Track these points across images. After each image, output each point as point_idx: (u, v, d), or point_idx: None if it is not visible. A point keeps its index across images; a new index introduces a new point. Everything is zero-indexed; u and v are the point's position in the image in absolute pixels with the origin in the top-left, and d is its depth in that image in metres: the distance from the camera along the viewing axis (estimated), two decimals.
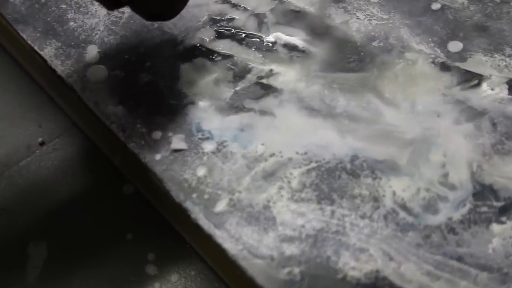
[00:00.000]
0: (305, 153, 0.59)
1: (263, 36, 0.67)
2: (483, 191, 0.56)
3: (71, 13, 0.69)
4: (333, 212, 0.56)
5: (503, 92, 0.61)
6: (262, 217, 0.56)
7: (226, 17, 0.68)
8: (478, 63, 0.63)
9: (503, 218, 0.55)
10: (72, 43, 0.67)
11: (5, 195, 0.66)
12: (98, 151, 0.68)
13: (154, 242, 0.62)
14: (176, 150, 0.60)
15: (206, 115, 0.62)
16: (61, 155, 0.68)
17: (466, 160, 0.58)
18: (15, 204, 0.65)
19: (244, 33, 0.67)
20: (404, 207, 0.56)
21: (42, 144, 0.69)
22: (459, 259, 0.53)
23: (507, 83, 0.62)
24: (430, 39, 0.65)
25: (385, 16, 0.67)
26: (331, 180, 0.58)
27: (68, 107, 0.70)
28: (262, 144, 0.60)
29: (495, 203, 0.56)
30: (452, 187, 0.57)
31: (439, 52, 0.64)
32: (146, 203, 0.64)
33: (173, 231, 0.62)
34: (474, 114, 0.60)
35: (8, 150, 0.69)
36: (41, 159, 0.68)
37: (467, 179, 0.57)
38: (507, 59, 0.63)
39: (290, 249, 0.54)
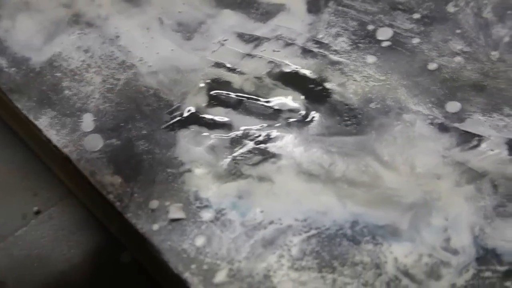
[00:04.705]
0: (305, 220, 0.58)
1: (260, 100, 0.66)
2: (486, 256, 0.55)
3: (66, 81, 0.69)
4: (334, 281, 0.55)
5: (503, 153, 0.61)
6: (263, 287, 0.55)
7: (222, 81, 0.68)
8: (476, 123, 0.63)
9: (508, 283, 0.54)
10: (68, 112, 0.66)
11: (1, 267, 0.65)
12: (94, 219, 0.68)
13: None
14: (174, 220, 0.59)
15: (204, 182, 0.61)
16: (57, 223, 0.68)
17: (468, 223, 0.57)
18: (11, 276, 0.65)
19: (241, 97, 0.66)
20: (406, 273, 0.55)
21: (37, 213, 0.68)
22: None
23: (507, 143, 0.61)
24: (427, 100, 0.65)
25: (382, 77, 0.67)
26: (331, 247, 0.57)
27: (64, 176, 0.69)
28: (261, 212, 0.59)
29: (498, 268, 0.55)
30: (455, 252, 0.56)
31: (437, 113, 0.64)
32: (144, 272, 0.63)
33: None
34: (475, 176, 0.60)
35: (4, 220, 0.68)
36: (37, 229, 0.67)
37: (469, 243, 0.56)
38: (506, 118, 0.63)
39: None
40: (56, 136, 0.65)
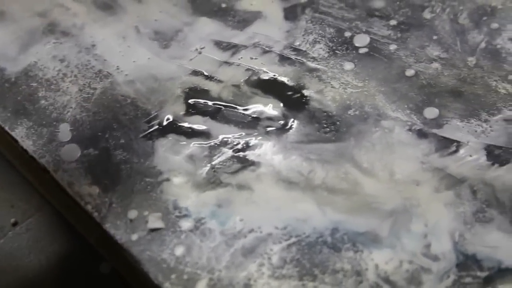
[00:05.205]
0: (285, 227, 0.58)
1: (238, 108, 0.66)
2: (466, 261, 0.55)
3: (42, 91, 0.68)
4: None
5: (482, 159, 0.61)
6: None
7: (200, 89, 0.68)
8: (455, 129, 0.63)
9: None
10: (44, 122, 0.66)
11: None
12: (73, 230, 0.67)
13: None
14: (153, 230, 0.58)
15: (183, 191, 0.61)
16: (35, 235, 0.67)
17: (448, 229, 0.57)
18: None
19: (219, 105, 0.66)
20: (387, 280, 0.55)
21: (15, 224, 0.67)
22: None
23: (485, 149, 0.61)
24: (406, 106, 0.65)
25: (360, 84, 0.67)
26: (312, 255, 0.56)
27: (41, 187, 0.69)
28: (241, 220, 0.59)
29: (479, 273, 0.55)
30: (435, 258, 0.56)
31: (415, 119, 0.64)
32: (124, 283, 0.63)
33: None
34: (454, 181, 0.60)
35: None
36: (14, 240, 0.66)
37: (450, 249, 0.56)
38: (484, 124, 0.63)
39: None
40: (32, 146, 0.64)
